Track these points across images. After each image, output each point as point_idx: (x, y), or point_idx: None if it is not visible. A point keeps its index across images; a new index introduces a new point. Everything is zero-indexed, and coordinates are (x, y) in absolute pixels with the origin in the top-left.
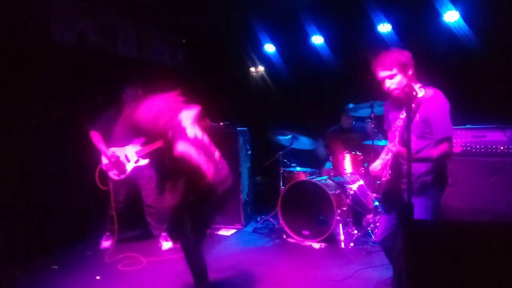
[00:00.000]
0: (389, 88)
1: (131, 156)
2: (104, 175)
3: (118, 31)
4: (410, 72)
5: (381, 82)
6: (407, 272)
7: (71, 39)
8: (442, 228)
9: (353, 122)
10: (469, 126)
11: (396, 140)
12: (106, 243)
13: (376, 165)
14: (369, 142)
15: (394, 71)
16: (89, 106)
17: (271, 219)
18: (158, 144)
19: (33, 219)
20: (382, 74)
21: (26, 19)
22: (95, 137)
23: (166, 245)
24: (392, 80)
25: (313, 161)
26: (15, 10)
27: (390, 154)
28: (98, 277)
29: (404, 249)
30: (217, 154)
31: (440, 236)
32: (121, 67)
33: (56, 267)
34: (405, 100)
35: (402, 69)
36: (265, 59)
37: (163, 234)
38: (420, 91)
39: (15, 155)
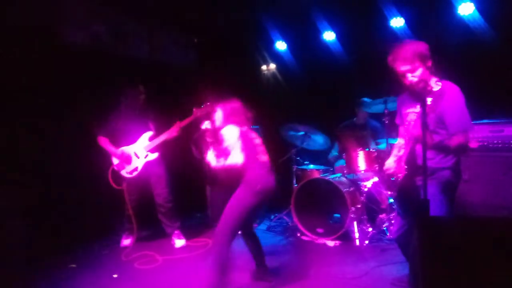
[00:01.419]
0: (411, 81)
1: (140, 152)
2: (117, 175)
3: (130, 32)
4: (429, 64)
5: (401, 76)
6: (423, 270)
7: (83, 40)
8: (458, 224)
9: (367, 118)
10: (486, 120)
11: (408, 137)
12: (126, 241)
13: (390, 162)
14: (383, 140)
15: (416, 63)
16: (102, 107)
17: (285, 217)
18: (166, 136)
19: (51, 219)
20: (403, 68)
21: (38, 21)
22: (103, 141)
23: (179, 242)
24: (414, 73)
25: (326, 158)
26: (28, 12)
27: (403, 151)
28: (115, 275)
29: (419, 246)
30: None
31: (456, 232)
32: (133, 67)
33: (74, 265)
34: (420, 94)
35: (423, 61)
36: (276, 56)
37: (176, 232)
38: (437, 85)
39: (33, 155)
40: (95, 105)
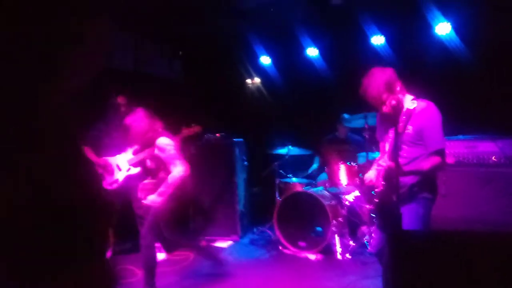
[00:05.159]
0: (383, 109)
1: (122, 165)
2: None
3: (115, 43)
4: (398, 88)
5: (373, 105)
6: (394, 283)
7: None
8: (428, 238)
9: (348, 133)
10: (461, 136)
11: (386, 155)
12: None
13: (370, 175)
14: (363, 154)
15: (384, 95)
16: (86, 119)
17: (268, 230)
18: (150, 152)
19: None
20: (373, 102)
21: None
22: (85, 151)
23: (160, 256)
24: (384, 103)
25: (309, 169)
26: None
27: (381, 167)
28: None
29: (390, 259)
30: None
31: (426, 246)
32: (118, 79)
33: None
34: (393, 116)
35: (390, 89)
36: (261, 70)
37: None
38: (413, 103)
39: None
40: (80, 116)
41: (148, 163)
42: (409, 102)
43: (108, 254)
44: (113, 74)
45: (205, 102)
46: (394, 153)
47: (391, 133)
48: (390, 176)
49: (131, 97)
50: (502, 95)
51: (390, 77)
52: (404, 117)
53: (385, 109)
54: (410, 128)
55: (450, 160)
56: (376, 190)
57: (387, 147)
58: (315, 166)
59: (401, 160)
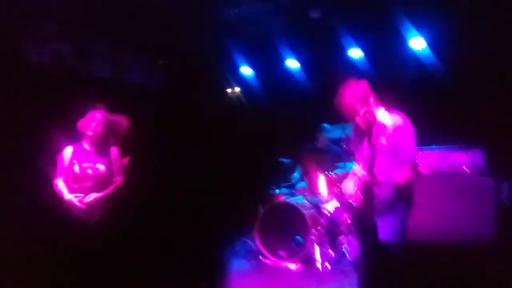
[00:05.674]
0: (357, 121)
1: None
2: None
3: (94, 52)
4: (371, 100)
5: (347, 115)
6: None
7: (46, 59)
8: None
9: (327, 143)
10: (434, 146)
11: (361, 165)
12: None
13: (348, 184)
14: (341, 164)
15: (357, 107)
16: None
17: (249, 241)
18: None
19: None
20: (348, 113)
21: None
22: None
23: None
24: (358, 114)
25: (289, 180)
26: None
27: (357, 176)
28: None
29: (367, 269)
30: None
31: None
32: (96, 87)
33: None
34: (367, 126)
35: (364, 102)
36: (241, 80)
37: None
38: (385, 115)
39: None
40: (57, 123)
41: None
42: (382, 114)
43: None
44: (92, 81)
45: (185, 112)
46: (369, 164)
47: (365, 144)
48: (366, 187)
49: (110, 106)
50: (473, 107)
51: (364, 89)
52: (377, 129)
53: (358, 120)
54: (383, 140)
55: (424, 170)
56: (352, 200)
57: (362, 158)
58: (296, 175)
59: (375, 171)
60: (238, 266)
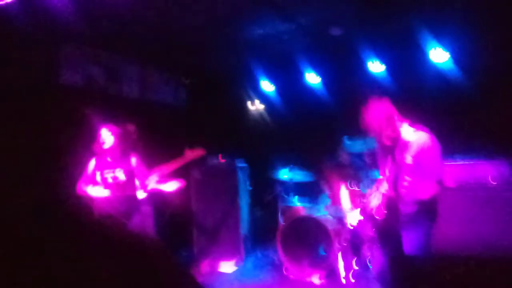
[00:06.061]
0: (382, 141)
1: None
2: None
3: (122, 73)
4: (396, 118)
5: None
6: None
7: (78, 81)
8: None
9: (350, 158)
10: (459, 160)
11: (387, 182)
12: None
13: (373, 200)
14: (366, 178)
15: (382, 126)
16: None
17: (271, 253)
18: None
19: None
20: (373, 133)
21: (36, 63)
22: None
23: None
24: (383, 134)
25: (312, 193)
26: (26, 53)
27: (382, 193)
28: None
29: (394, 282)
30: None
31: (427, 270)
32: (125, 107)
33: None
34: (391, 142)
35: (388, 121)
36: (263, 96)
37: None
38: (411, 133)
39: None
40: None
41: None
42: (408, 132)
43: None
44: (122, 101)
45: (210, 128)
46: (394, 183)
47: (389, 160)
48: (391, 204)
49: (138, 124)
50: (497, 119)
51: (388, 109)
52: (401, 146)
53: (385, 140)
54: (409, 159)
55: (450, 184)
56: (378, 216)
57: (387, 173)
58: (326, 200)
59: (401, 189)
60: (261, 279)
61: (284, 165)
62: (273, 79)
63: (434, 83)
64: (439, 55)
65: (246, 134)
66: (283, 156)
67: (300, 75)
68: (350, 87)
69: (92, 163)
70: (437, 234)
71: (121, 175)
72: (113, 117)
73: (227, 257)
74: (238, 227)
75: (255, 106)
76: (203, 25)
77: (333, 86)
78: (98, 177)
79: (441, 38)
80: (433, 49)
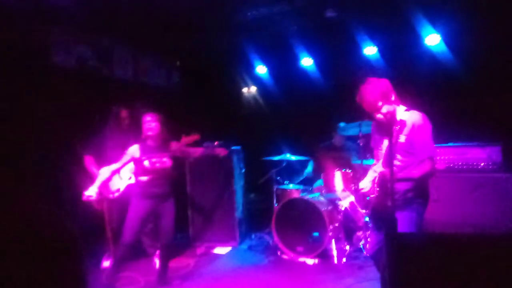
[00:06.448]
0: (378, 118)
1: (124, 174)
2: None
3: (115, 55)
4: (392, 98)
5: (369, 113)
6: (391, 284)
7: (70, 63)
8: (423, 240)
9: (344, 141)
10: (451, 144)
11: (381, 161)
12: (106, 263)
13: (365, 182)
14: (358, 161)
15: (379, 103)
16: (87, 127)
17: (266, 236)
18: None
19: None
20: (369, 109)
21: (27, 44)
22: (88, 161)
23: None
24: (379, 111)
25: (306, 176)
26: (18, 35)
27: (376, 173)
28: None
29: (388, 261)
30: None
31: (422, 248)
32: (118, 89)
33: None
34: (387, 124)
35: (385, 98)
36: (257, 79)
37: (157, 252)
38: (405, 114)
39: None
40: (81, 126)
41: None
42: (402, 112)
43: (109, 262)
44: (114, 83)
45: (203, 111)
46: (388, 161)
47: (385, 142)
48: (384, 182)
49: (131, 106)
50: (489, 103)
51: (386, 87)
52: (397, 127)
53: (379, 116)
54: (403, 138)
55: (441, 166)
56: (371, 196)
57: (381, 154)
58: (309, 169)
59: (394, 168)
60: (256, 261)
61: (278, 148)
62: (266, 61)
63: (427, 66)
64: (432, 39)
65: (240, 117)
66: (277, 139)
67: (294, 58)
68: (344, 69)
69: (133, 150)
70: (428, 215)
71: (166, 159)
72: (105, 99)
73: (222, 240)
74: (233, 210)
75: (249, 89)
76: (196, 6)
77: (327, 69)
78: (146, 163)
79: (435, 21)
80: (426, 32)
